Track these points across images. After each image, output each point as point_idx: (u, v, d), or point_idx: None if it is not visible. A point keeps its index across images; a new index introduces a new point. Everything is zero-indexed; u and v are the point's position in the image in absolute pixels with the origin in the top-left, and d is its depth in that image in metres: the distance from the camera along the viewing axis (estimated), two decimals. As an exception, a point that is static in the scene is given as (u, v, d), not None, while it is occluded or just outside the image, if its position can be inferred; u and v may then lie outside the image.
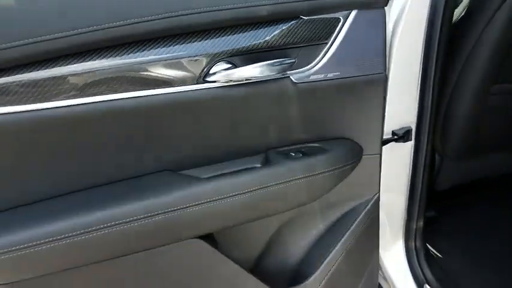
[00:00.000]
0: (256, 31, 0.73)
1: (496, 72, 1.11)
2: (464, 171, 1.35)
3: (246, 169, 0.80)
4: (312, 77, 0.79)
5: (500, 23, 1.03)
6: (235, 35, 0.72)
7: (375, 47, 0.82)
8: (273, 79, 0.77)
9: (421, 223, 1.11)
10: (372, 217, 0.96)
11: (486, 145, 1.30)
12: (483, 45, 1.05)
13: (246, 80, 0.74)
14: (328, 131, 0.86)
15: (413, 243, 1.13)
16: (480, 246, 1.23)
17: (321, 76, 0.79)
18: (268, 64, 0.74)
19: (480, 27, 1.04)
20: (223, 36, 0.71)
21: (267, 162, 0.81)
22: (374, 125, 0.89)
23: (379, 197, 0.97)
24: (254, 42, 0.73)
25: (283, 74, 0.77)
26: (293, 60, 0.77)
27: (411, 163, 1.04)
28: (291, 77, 0.78)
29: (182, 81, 0.71)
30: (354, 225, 0.94)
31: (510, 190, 1.42)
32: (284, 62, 0.75)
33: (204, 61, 0.71)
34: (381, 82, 0.84)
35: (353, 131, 0.88)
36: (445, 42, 0.92)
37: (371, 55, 0.81)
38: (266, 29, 0.74)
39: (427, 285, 1.10)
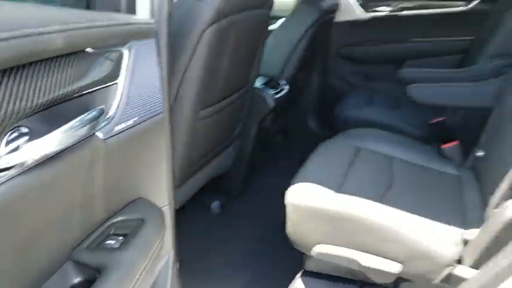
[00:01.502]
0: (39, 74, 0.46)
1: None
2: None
3: None
4: (116, 128, 0.61)
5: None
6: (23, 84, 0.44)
7: (152, 83, 0.69)
8: (77, 144, 0.54)
9: None
10: None
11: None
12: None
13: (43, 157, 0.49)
14: (129, 193, 0.70)
15: None
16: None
17: (122, 126, 0.62)
18: (72, 126, 0.51)
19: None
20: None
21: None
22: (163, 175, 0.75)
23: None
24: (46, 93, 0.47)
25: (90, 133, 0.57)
26: (102, 107, 0.57)
27: None
28: (96, 133, 0.58)
29: None
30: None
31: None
32: (90, 116, 0.54)
33: None
34: (161, 124, 0.71)
35: (145, 188, 0.73)
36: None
37: (151, 93, 0.68)
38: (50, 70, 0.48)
39: None
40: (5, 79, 0.41)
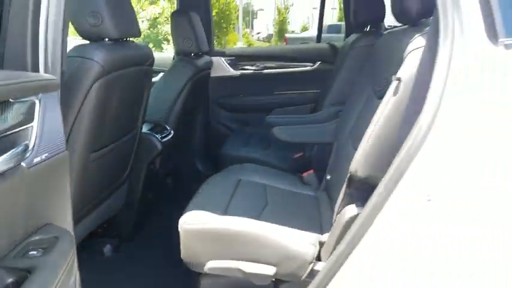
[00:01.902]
0: None
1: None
2: None
3: None
4: (35, 160, 0.75)
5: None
6: None
7: (56, 127, 0.86)
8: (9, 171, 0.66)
9: None
10: None
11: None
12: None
13: None
14: (42, 217, 0.81)
15: None
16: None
17: (38, 159, 0.76)
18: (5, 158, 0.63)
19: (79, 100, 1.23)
20: None
21: None
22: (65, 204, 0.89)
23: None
24: None
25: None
26: (26, 143, 0.71)
27: None
28: (22, 163, 0.71)
29: None
30: None
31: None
32: (19, 149, 0.68)
33: None
34: (64, 161, 0.86)
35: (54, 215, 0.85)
36: None
37: (56, 135, 0.85)
38: None
39: None
40: None
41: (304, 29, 18.89)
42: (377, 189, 0.96)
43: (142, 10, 11.17)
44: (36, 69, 0.86)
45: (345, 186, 1.24)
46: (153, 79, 1.78)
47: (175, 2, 2.49)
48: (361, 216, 0.98)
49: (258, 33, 21.27)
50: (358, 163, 1.13)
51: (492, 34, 0.88)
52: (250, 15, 22.19)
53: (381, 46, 1.48)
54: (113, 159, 1.49)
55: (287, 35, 15.72)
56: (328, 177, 1.60)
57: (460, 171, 0.90)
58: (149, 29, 11.11)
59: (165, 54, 6.08)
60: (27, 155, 0.72)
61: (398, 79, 1.05)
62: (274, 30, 18.33)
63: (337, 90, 2.07)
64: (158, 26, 11.41)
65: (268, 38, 19.35)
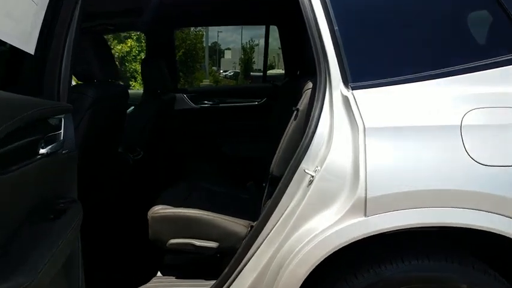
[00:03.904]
0: None
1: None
2: None
3: None
4: (63, 152, 1.23)
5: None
6: None
7: (71, 135, 1.31)
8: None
9: None
10: None
11: None
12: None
13: None
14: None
15: None
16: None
17: (64, 151, 1.24)
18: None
19: None
20: None
21: None
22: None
23: None
24: None
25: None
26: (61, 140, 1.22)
27: None
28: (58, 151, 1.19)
29: None
30: None
31: None
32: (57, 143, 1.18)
33: None
34: (75, 156, 1.33)
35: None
36: None
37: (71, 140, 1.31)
38: None
39: None
40: None
41: (269, 68, 19.85)
42: (281, 181, 1.47)
43: (112, 49, 11.67)
44: (58, 99, 1.35)
45: (267, 186, 1.76)
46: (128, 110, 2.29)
47: (143, 41, 3.04)
48: (270, 201, 1.49)
49: (225, 71, 22.09)
50: (274, 165, 1.66)
51: (344, 79, 1.43)
52: (217, 54, 23.13)
53: (294, 87, 2.06)
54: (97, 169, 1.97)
55: (252, 74, 16.57)
56: (264, 184, 2.12)
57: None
58: (119, 68, 11.57)
59: (135, 91, 6.61)
60: (60, 148, 1.20)
61: (297, 109, 1.61)
62: (240, 68, 19.20)
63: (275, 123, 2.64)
64: (126, 64, 11.91)
65: (235, 76, 20.05)
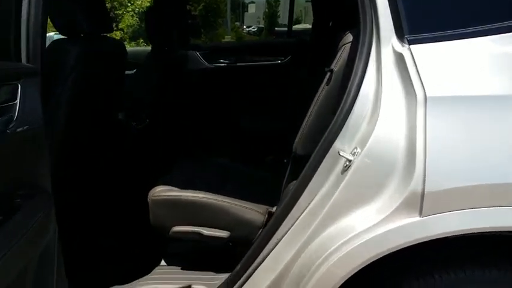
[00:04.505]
0: None
1: None
2: None
3: None
4: (18, 129, 0.93)
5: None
6: None
7: (35, 107, 1.02)
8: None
9: None
10: None
11: None
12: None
13: None
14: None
15: None
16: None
17: (20, 129, 0.94)
18: None
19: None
20: None
21: None
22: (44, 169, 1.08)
23: None
24: None
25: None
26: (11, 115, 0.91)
27: None
28: (7, 130, 0.89)
29: None
30: None
31: None
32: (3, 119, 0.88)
33: None
34: (41, 133, 1.03)
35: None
36: None
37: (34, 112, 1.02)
38: None
39: None
40: None
41: (295, 22, 18.93)
42: (308, 164, 1.15)
43: (131, 4, 11.23)
44: (18, 59, 1.04)
45: (290, 164, 1.43)
46: (129, 72, 1.96)
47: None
48: (294, 186, 1.18)
49: (249, 26, 21.29)
50: (298, 141, 1.32)
51: (398, 30, 1.06)
52: (240, 7, 22.19)
53: (325, 42, 1.67)
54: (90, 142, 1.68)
55: (277, 29, 15.82)
56: (285, 160, 1.79)
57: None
58: (139, 24, 11.18)
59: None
60: (12, 125, 0.90)
61: (330, 70, 1.25)
62: (265, 23, 18.41)
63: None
64: (147, 19, 11.44)
65: (259, 32, 19.33)
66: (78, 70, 1.43)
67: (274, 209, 1.45)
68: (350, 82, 1.10)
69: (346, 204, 1.06)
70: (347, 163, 1.07)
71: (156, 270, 1.50)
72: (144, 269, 1.51)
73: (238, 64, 2.79)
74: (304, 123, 1.31)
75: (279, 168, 1.85)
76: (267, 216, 1.42)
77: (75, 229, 1.55)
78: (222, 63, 2.77)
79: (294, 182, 1.32)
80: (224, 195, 1.44)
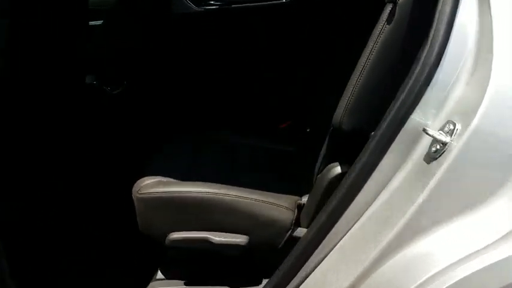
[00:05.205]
0: None
1: None
2: None
3: None
4: None
5: None
6: None
7: None
8: None
9: None
10: None
11: None
12: None
13: None
14: None
15: None
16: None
17: None
18: None
19: None
20: None
21: None
22: None
23: None
24: None
25: None
26: None
27: None
28: None
29: None
30: None
31: None
32: None
33: None
34: None
35: None
36: None
37: None
38: None
39: None
40: None
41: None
42: (367, 146, 0.76)
43: None
44: None
45: (327, 141, 1.04)
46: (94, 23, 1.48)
47: None
48: (349, 177, 0.79)
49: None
50: (342, 114, 0.91)
51: None
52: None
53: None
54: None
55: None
56: (308, 129, 1.39)
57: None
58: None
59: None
60: None
61: (393, 1, 0.81)
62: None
63: None
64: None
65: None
66: (15, 12, 0.98)
67: (304, 199, 1.08)
68: (436, 18, 0.69)
69: (440, 211, 0.69)
70: (438, 146, 0.68)
71: (151, 284, 1.15)
72: (137, 285, 1.15)
73: (233, 6, 2.27)
74: (351, 82, 0.88)
75: (301, 139, 1.47)
76: (296, 211, 1.05)
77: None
78: (212, 5, 2.26)
79: (334, 164, 0.96)
80: (235, 185, 1.05)
